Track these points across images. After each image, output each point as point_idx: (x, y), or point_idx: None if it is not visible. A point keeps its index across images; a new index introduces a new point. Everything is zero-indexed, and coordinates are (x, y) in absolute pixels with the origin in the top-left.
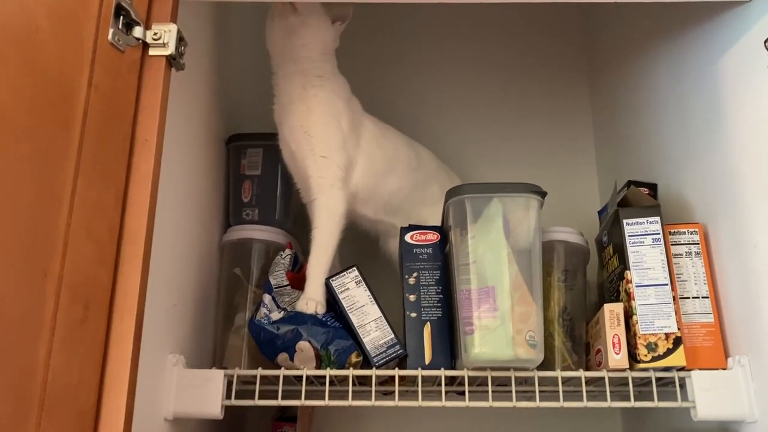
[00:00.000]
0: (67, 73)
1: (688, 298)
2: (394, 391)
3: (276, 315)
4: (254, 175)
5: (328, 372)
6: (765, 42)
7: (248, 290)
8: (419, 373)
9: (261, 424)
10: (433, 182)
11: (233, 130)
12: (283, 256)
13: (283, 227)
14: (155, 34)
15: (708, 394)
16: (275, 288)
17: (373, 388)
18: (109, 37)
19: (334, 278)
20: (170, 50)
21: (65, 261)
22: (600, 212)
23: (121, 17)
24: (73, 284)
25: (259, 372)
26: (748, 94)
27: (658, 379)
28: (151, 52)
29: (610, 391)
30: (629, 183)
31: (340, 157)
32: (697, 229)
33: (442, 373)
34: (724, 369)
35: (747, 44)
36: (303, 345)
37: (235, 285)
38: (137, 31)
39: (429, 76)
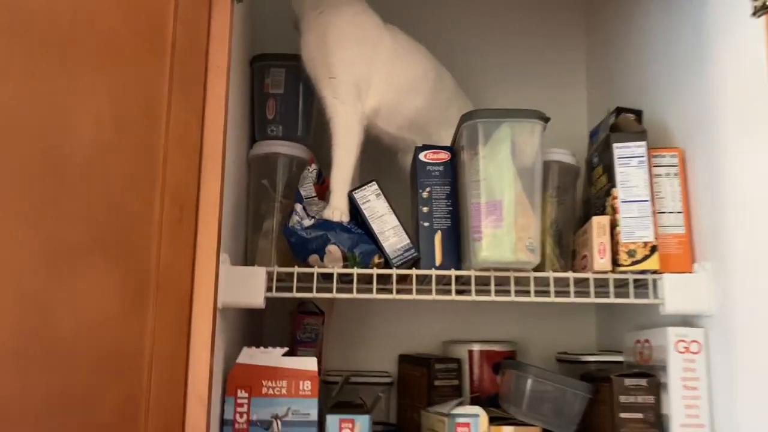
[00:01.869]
0: (159, 7)
1: (665, 212)
2: (405, 288)
3: (307, 222)
4: (277, 94)
5: (355, 270)
6: None
7: (275, 200)
8: (433, 272)
9: (276, 316)
10: (452, 104)
11: (257, 50)
12: (310, 171)
13: (305, 143)
14: None
15: (676, 292)
16: (305, 198)
17: (394, 286)
18: None
19: (356, 191)
20: None
21: (166, 171)
22: (591, 135)
23: None
24: (172, 191)
25: (296, 270)
26: (729, 36)
27: (635, 281)
28: None
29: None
30: (618, 109)
31: (347, 75)
32: (676, 153)
33: (453, 273)
34: (690, 273)
35: None
36: (332, 248)
37: (262, 195)
38: None
39: (431, 5)
